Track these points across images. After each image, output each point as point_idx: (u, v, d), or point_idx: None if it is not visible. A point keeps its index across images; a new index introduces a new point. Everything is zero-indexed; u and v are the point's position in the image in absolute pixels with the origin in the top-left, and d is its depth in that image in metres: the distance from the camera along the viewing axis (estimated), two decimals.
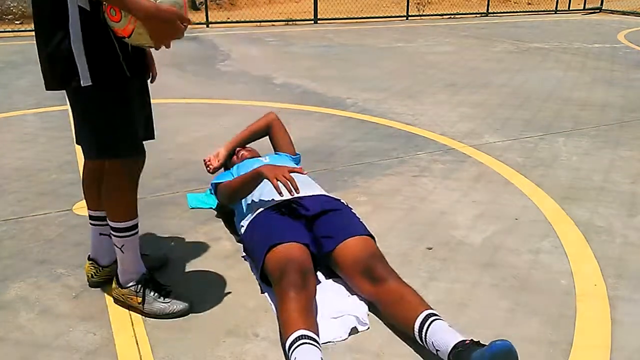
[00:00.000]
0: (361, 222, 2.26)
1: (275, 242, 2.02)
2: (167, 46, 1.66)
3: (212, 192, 2.69)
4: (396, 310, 1.85)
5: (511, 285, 2.16)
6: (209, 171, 2.82)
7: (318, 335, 1.73)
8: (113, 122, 1.76)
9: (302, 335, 1.68)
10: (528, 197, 2.96)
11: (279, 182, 2.14)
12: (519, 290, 2.12)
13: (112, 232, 1.93)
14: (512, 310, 2.00)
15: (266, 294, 2.08)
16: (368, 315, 1.95)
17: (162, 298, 1.96)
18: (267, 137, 2.92)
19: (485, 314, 1.98)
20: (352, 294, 2.05)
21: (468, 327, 1.90)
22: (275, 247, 2.01)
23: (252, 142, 2.92)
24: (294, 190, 2.14)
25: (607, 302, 2.06)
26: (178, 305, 1.96)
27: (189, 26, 1.74)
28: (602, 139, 3.95)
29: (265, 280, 2.07)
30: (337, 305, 1.98)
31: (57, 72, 1.68)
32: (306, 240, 2.08)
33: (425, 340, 1.72)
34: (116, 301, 2.02)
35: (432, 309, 1.79)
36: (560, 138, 3.97)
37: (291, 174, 2.19)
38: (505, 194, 3.00)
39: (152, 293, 1.96)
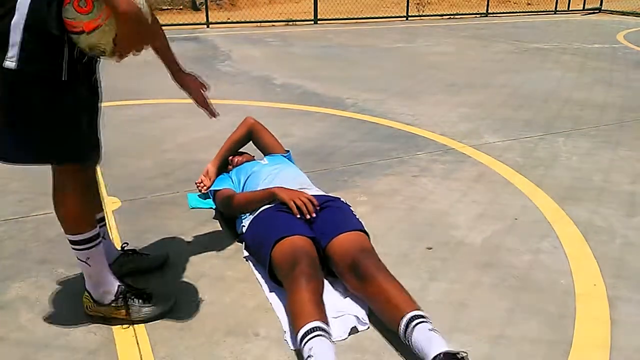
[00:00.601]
0: (356, 217, 2.26)
1: (281, 235, 2.03)
2: (121, 57, 1.60)
3: (211, 198, 2.70)
4: (382, 310, 1.84)
5: (511, 285, 2.16)
6: (201, 192, 2.83)
7: (330, 329, 1.73)
8: (40, 117, 1.61)
9: (317, 327, 1.67)
10: (528, 197, 2.96)
11: (295, 205, 2.22)
12: (518, 290, 2.13)
13: (72, 246, 1.81)
14: (512, 310, 2.00)
15: (274, 293, 2.07)
16: (368, 315, 1.95)
17: (146, 302, 1.92)
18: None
19: (485, 314, 1.98)
20: (352, 294, 2.05)
21: (468, 327, 1.90)
22: (282, 240, 2.01)
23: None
24: (309, 214, 2.20)
25: (606, 302, 2.06)
26: (166, 303, 1.95)
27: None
28: (602, 139, 3.95)
29: (273, 278, 2.06)
30: (337, 304, 1.98)
31: None
32: (311, 234, 2.09)
33: (410, 344, 1.70)
34: (93, 317, 1.92)
35: (415, 308, 1.75)
36: (560, 138, 3.97)
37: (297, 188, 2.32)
38: (505, 194, 3.00)
39: (135, 301, 1.90)
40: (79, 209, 1.78)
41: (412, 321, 1.70)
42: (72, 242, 1.81)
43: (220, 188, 2.57)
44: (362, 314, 1.94)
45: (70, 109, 1.65)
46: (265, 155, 2.87)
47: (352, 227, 2.13)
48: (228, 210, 2.49)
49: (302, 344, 1.66)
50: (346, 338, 1.84)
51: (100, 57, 1.66)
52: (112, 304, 1.89)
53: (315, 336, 1.64)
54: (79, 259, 1.84)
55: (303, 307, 1.74)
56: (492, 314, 1.98)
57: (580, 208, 2.84)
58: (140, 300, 1.92)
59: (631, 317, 1.97)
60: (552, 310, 2.01)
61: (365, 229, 2.18)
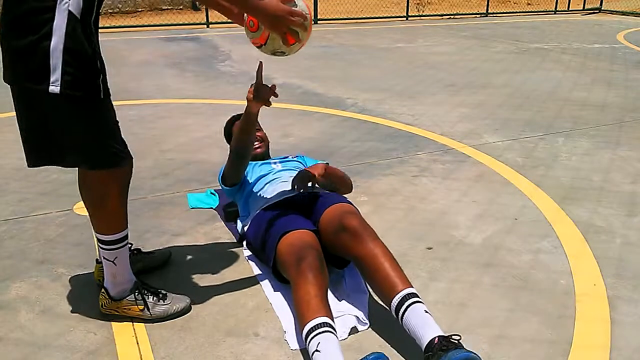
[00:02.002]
0: (345, 198, 2.29)
1: (287, 229, 2.03)
2: (292, 39, 1.89)
3: (220, 181, 2.51)
4: (374, 281, 1.87)
5: (511, 285, 2.16)
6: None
7: (335, 324, 1.74)
8: (82, 132, 1.66)
9: (324, 323, 1.68)
10: (528, 197, 2.96)
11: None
12: (518, 290, 2.13)
13: (101, 245, 1.84)
14: (512, 310, 2.00)
15: (274, 293, 2.08)
16: (368, 315, 1.95)
17: (161, 301, 1.94)
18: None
19: (485, 314, 1.98)
20: (352, 293, 2.06)
21: (468, 327, 1.90)
22: (287, 234, 2.01)
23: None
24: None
25: (606, 302, 2.06)
26: (180, 304, 1.96)
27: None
28: (602, 139, 3.95)
29: (277, 275, 2.07)
30: (337, 304, 1.98)
31: (27, 68, 1.56)
32: (313, 228, 2.10)
33: (401, 323, 1.74)
34: (107, 316, 1.94)
35: (409, 285, 1.79)
36: (560, 138, 3.97)
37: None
38: (505, 194, 3.00)
39: (151, 297, 1.93)
40: (118, 210, 1.82)
41: (406, 301, 1.73)
42: (103, 242, 1.84)
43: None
44: (362, 313, 1.94)
45: (109, 123, 1.72)
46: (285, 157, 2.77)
47: (337, 201, 2.19)
48: (236, 165, 2.35)
49: (308, 340, 1.66)
50: (346, 338, 1.84)
51: (284, 55, 2.00)
52: (129, 298, 1.91)
53: (322, 332, 1.65)
54: (106, 258, 1.86)
55: (309, 302, 1.74)
56: (492, 314, 1.98)
57: (580, 208, 2.84)
58: (155, 298, 1.94)
59: (631, 317, 1.97)
60: (552, 310, 2.01)
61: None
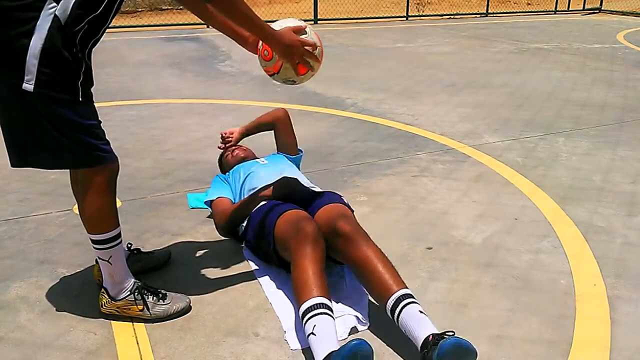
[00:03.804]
0: (342, 198, 2.30)
1: (284, 210, 2.07)
2: (303, 69, 1.98)
3: (211, 210, 2.58)
4: (369, 284, 1.88)
5: (511, 285, 2.16)
6: (226, 145, 2.85)
7: (332, 303, 1.77)
8: (59, 131, 1.65)
9: (321, 304, 1.71)
10: (528, 197, 2.96)
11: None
12: (518, 290, 2.13)
13: (94, 245, 1.84)
14: (512, 310, 2.00)
15: (274, 293, 2.08)
16: (368, 315, 1.95)
17: (161, 300, 1.94)
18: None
19: (485, 314, 1.98)
20: (352, 294, 2.06)
21: (468, 327, 1.90)
22: (284, 213, 2.05)
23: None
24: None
25: (606, 302, 2.06)
26: (180, 303, 1.96)
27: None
28: (602, 139, 3.95)
29: (280, 262, 2.09)
30: (337, 304, 1.98)
31: (3, 62, 1.55)
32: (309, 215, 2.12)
33: (397, 323, 1.75)
34: (108, 316, 1.94)
35: (403, 286, 1.80)
36: (560, 138, 3.98)
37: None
38: (505, 194, 3.00)
39: (150, 297, 1.93)
40: (101, 208, 1.81)
41: (401, 302, 1.75)
42: (95, 242, 1.84)
43: (215, 198, 2.53)
44: (362, 313, 1.94)
45: (88, 123, 1.71)
46: (277, 150, 2.86)
47: (331, 200, 2.20)
48: (227, 222, 2.41)
49: (305, 321, 1.70)
50: (346, 338, 1.84)
51: (294, 84, 2.11)
52: (128, 298, 1.91)
53: (317, 313, 1.69)
54: (101, 258, 1.86)
55: (306, 281, 1.77)
56: (492, 314, 1.98)
57: (580, 208, 2.84)
58: (155, 297, 1.94)
59: (631, 317, 1.97)
60: (552, 310, 2.01)
61: (358, 221, 2.18)
